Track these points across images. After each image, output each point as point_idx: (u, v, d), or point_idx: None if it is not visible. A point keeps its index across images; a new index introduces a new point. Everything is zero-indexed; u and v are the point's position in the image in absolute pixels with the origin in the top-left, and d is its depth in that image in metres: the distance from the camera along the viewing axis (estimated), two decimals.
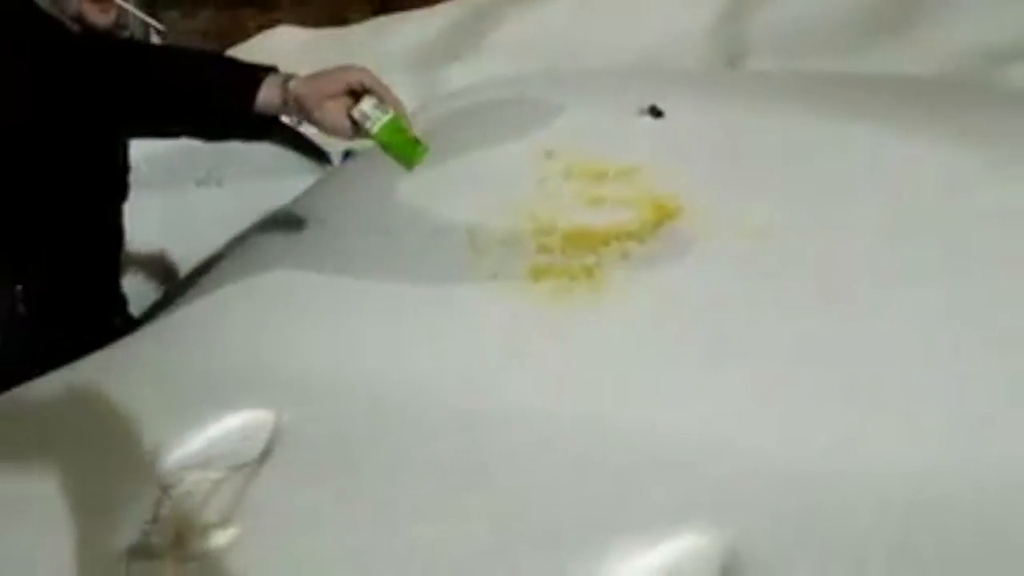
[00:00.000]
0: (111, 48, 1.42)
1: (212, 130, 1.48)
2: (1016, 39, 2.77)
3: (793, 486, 0.95)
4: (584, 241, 1.33)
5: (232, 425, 1.12)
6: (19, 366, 1.30)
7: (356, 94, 1.29)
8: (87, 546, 0.98)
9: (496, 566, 0.91)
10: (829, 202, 1.36)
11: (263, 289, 1.42)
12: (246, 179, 2.34)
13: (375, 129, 1.28)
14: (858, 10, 3.09)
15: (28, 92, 1.31)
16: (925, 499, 0.92)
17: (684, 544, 0.90)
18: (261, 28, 4.66)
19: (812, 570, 0.87)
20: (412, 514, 0.98)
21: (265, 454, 1.08)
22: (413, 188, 1.51)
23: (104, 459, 1.10)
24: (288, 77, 1.33)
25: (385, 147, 1.30)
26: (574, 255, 1.31)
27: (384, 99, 1.28)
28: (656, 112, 1.59)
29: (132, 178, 1.64)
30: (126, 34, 1.60)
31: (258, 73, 1.34)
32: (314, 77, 1.32)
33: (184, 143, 1.64)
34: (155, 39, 2.04)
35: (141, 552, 0.97)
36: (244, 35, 4.64)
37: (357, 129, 1.29)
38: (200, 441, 1.10)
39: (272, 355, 1.25)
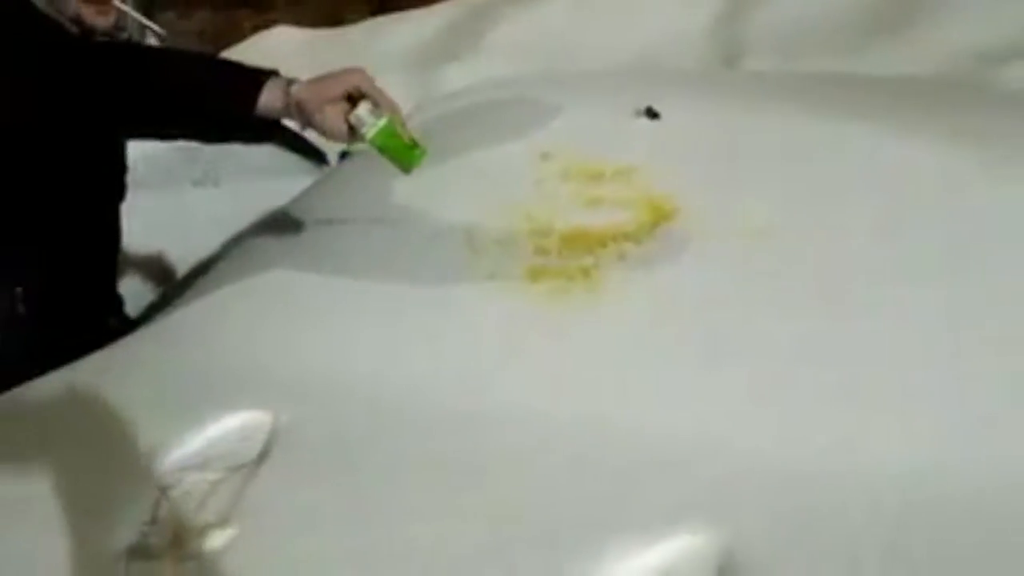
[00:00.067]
0: (113, 51, 1.43)
1: (213, 132, 1.49)
2: (1012, 39, 2.77)
3: (789, 486, 0.95)
4: (581, 242, 1.33)
5: (230, 426, 1.12)
6: (18, 366, 1.31)
7: (354, 98, 1.29)
8: (86, 546, 0.98)
9: (494, 566, 0.91)
10: (826, 202, 1.36)
11: (261, 290, 1.42)
12: (243, 180, 2.34)
13: (370, 134, 1.29)
14: (855, 11, 3.09)
15: (28, 93, 1.31)
16: (920, 500, 0.92)
17: (680, 544, 0.90)
18: (257, 29, 4.65)
19: (807, 570, 0.87)
20: (410, 514, 0.98)
21: (263, 455, 1.08)
22: (410, 189, 1.51)
23: (103, 460, 1.10)
24: (290, 81, 1.34)
25: (381, 152, 1.30)
26: (571, 256, 1.31)
27: (379, 103, 1.28)
28: (652, 113, 1.59)
29: (129, 178, 1.64)
30: (124, 36, 1.61)
31: (260, 77, 1.35)
32: (315, 82, 1.32)
33: (181, 143, 1.64)
34: (153, 41, 2.05)
35: (140, 552, 0.97)
36: (240, 36, 4.63)
37: (354, 133, 1.30)
38: (198, 442, 1.10)
39: (270, 356, 1.25)
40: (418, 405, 1.13)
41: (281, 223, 1.64)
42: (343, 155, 2.40)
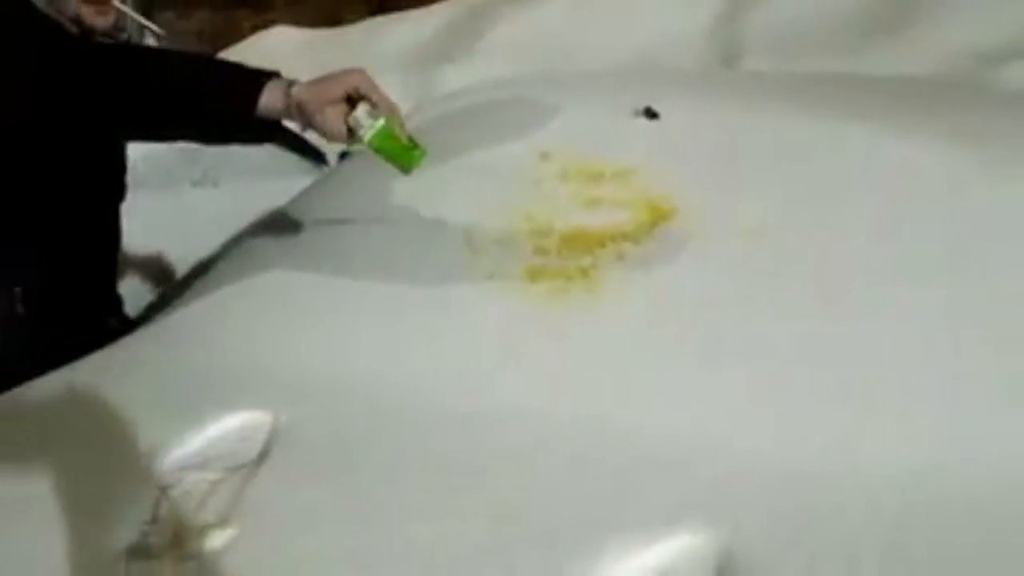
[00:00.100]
0: (113, 52, 1.43)
1: (214, 134, 1.48)
2: (1011, 39, 2.77)
3: (788, 486, 0.95)
4: (580, 242, 1.34)
5: (230, 426, 1.12)
6: (18, 366, 1.30)
7: (353, 100, 1.30)
8: (86, 546, 0.98)
9: (493, 565, 0.92)
10: (824, 202, 1.36)
11: (260, 290, 1.42)
12: (242, 180, 2.34)
13: (367, 137, 1.29)
14: (854, 11, 3.09)
15: (28, 94, 1.31)
16: (918, 500, 0.92)
17: (680, 544, 0.90)
18: (256, 29, 4.65)
19: (806, 569, 0.87)
20: (410, 514, 0.98)
21: (263, 455, 1.08)
22: (410, 189, 1.51)
23: (103, 460, 1.10)
24: (291, 83, 1.34)
25: (378, 153, 1.30)
26: (570, 256, 1.32)
27: (378, 104, 1.29)
28: (651, 114, 1.59)
29: (129, 178, 1.64)
30: (123, 36, 1.61)
31: (261, 78, 1.35)
32: (315, 83, 1.33)
33: (181, 144, 1.64)
34: (151, 41, 2.05)
35: (140, 552, 0.97)
36: (239, 35, 4.63)
37: (353, 135, 1.30)
38: (198, 442, 1.10)
39: (270, 356, 1.25)
40: (418, 405, 1.13)
41: (281, 223, 1.64)
42: (342, 155, 2.40)
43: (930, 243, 1.25)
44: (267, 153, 2.23)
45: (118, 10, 1.44)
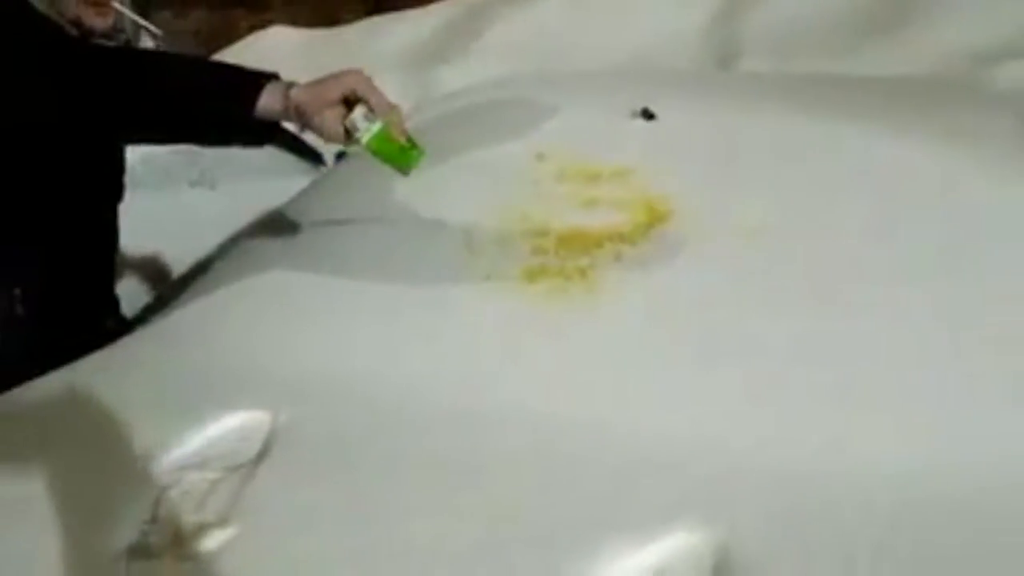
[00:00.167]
0: (113, 55, 1.43)
1: (213, 136, 1.48)
2: (1006, 40, 2.78)
3: (783, 485, 0.96)
4: (578, 243, 1.34)
5: (229, 425, 1.12)
6: (17, 367, 1.31)
7: (351, 101, 1.30)
8: (86, 546, 0.98)
9: (491, 564, 0.92)
10: (821, 202, 1.37)
11: (259, 290, 1.42)
12: (240, 180, 2.34)
13: (364, 139, 1.29)
14: (849, 11, 3.09)
15: (29, 96, 1.31)
16: (912, 499, 0.93)
17: (676, 542, 0.90)
18: (253, 28, 4.64)
19: (802, 567, 0.88)
20: (408, 513, 0.98)
21: (262, 454, 1.08)
22: (408, 190, 1.51)
23: (102, 460, 1.10)
24: (289, 85, 1.34)
25: (376, 156, 1.30)
26: (568, 256, 1.32)
27: (374, 107, 1.29)
28: (648, 114, 1.59)
29: (127, 179, 1.64)
30: (122, 37, 1.61)
31: (259, 80, 1.35)
32: (313, 84, 1.33)
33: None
34: (149, 41, 2.05)
35: (140, 551, 0.97)
36: (236, 35, 4.62)
37: (350, 136, 1.30)
38: (197, 441, 1.10)
39: (268, 356, 1.25)
40: (416, 405, 1.13)
41: (279, 224, 1.64)
42: (340, 156, 2.40)
43: (925, 243, 1.26)
44: (265, 154, 2.23)
45: (117, 11, 1.44)
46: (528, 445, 1.05)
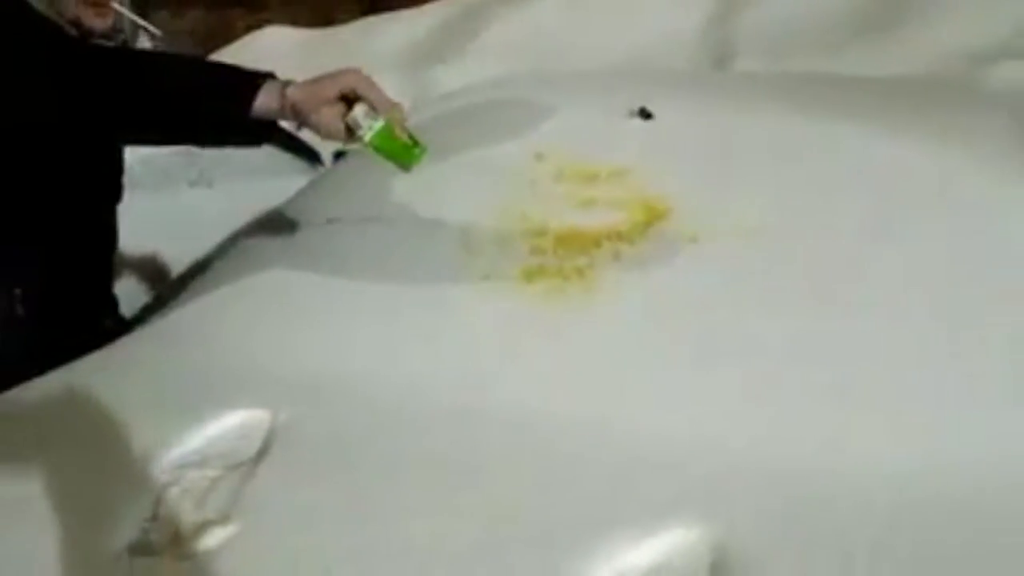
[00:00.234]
0: (111, 55, 1.43)
1: (210, 136, 1.48)
2: (1002, 39, 2.78)
3: (781, 483, 0.96)
4: (576, 242, 1.34)
5: (229, 424, 1.12)
6: (17, 367, 1.31)
7: (350, 99, 1.30)
8: (87, 545, 0.98)
9: (490, 563, 0.92)
10: (818, 202, 1.37)
11: (258, 290, 1.42)
12: (238, 180, 2.33)
13: (367, 137, 1.29)
14: (846, 11, 3.10)
15: (29, 96, 1.31)
16: (909, 499, 0.93)
17: (674, 539, 0.91)
18: (250, 28, 4.64)
19: (799, 565, 0.88)
20: (406, 512, 0.99)
21: (262, 453, 1.08)
22: (406, 189, 1.52)
23: (102, 459, 1.10)
24: (286, 83, 1.34)
25: (378, 153, 1.30)
26: (566, 256, 1.32)
27: (376, 105, 1.29)
28: (646, 114, 1.60)
29: (125, 179, 1.64)
30: (121, 37, 1.61)
31: (256, 79, 1.35)
32: (310, 83, 1.33)
33: None
34: (147, 41, 2.05)
35: (141, 549, 0.97)
36: (233, 35, 4.62)
37: (351, 134, 1.30)
38: (197, 440, 1.11)
39: (268, 355, 1.25)
40: (415, 404, 1.13)
41: (278, 223, 1.64)
42: (338, 155, 2.40)
43: (922, 242, 1.26)
44: (263, 153, 2.23)
45: (116, 11, 1.44)
46: (527, 444, 1.06)
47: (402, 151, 1.30)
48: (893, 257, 1.24)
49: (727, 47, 3.18)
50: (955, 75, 2.68)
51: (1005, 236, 1.26)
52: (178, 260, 2.22)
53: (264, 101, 1.34)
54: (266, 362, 1.24)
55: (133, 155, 1.62)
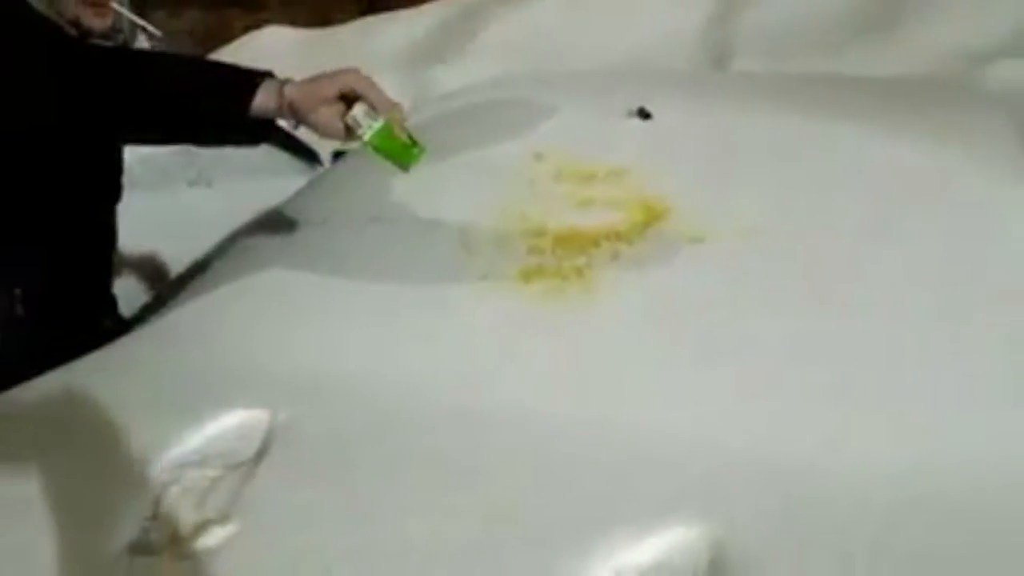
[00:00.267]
0: (110, 55, 1.43)
1: (209, 135, 1.48)
2: (999, 39, 2.79)
3: (779, 482, 0.97)
4: (574, 242, 1.34)
5: (228, 424, 1.13)
6: (17, 367, 1.31)
7: (349, 98, 1.30)
8: (88, 544, 0.98)
9: (489, 562, 0.92)
10: (816, 202, 1.37)
11: (257, 289, 1.43)
12: (237, 180, 2.33)
13: (367, 137, 1.29)
14: (843, 12, 3.10)
15: (28, 96, 1.31)
16: (907, 498, 0.93)
17: (674, 537, 0.91)
18: (248, 28, 4.64)
19: (797, 562, 0.89)
20: (404, 511, 0.99)
21: (261, 452, 1.08)
22: (405, 189, 1.52)
23: (102, 458, 1.10)
24: (284, 82, 1.35)
25: (378, 152, 1.31)
26: (565, 256, 1.32)
27: (375, 104, 1.29)
28: (644, 114, 1.60)
29: (124, 179, 1.64)
30: (120, 37, 1.61)
31: (254, 78, 1.35)
32: (308, 82, 1.33)
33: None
34: (145, 41, 2.05)
35: (141, 548, 0.97)
36: (231, 35, 4.62)
37: (351, 133, 1.30)
38: (197, 440, 1.11)
39: (267, 355, 1.26)
40: (413, 404, 1.13)
41: (276, 223, 1.64)
42: (336, 155, 2.40)
43: (919, 242, 1.27)
44: (261, 153, 2.23)
45: (115, 11, 1.44)
46: (525, 444, 1.06)
47: (401, 151, 1.30)
48: (891, 257, 1.25)
49: (726, 47, 3.18)
50: (953, 75, 2.69)
51: (1003, 235, 1.26)
52: (177, 260, 2.22)
53: (262, 100, 1.34)
54: (265, 362, 1.24)
55: (132, 155, 1.62)
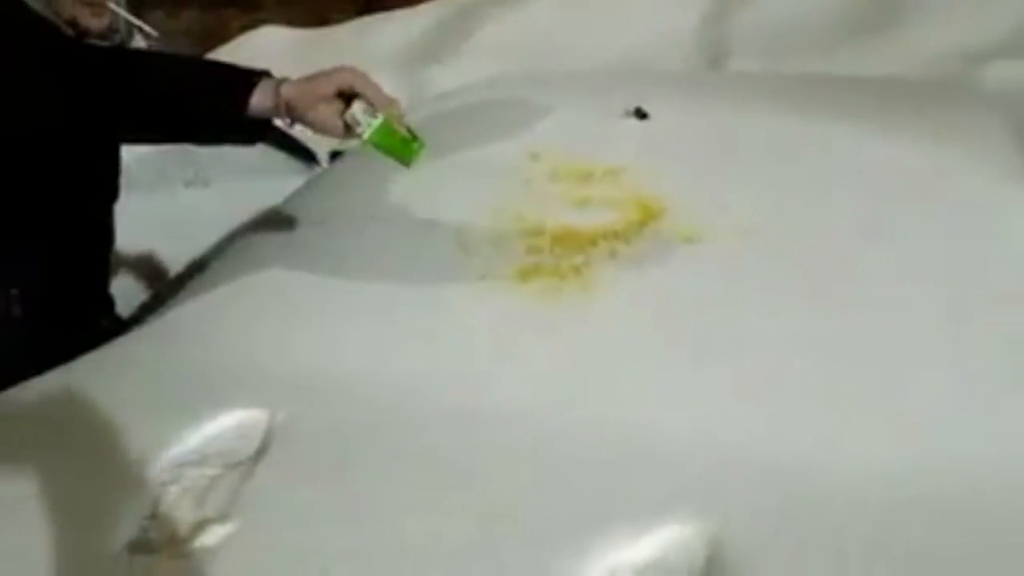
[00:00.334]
0: (107, 55, 1.43)
1: (206, 135, 1.48)
2: (995, 39, 2.80)
3: (777, 480, 0.97)
4: (572, 241, 1.35)
5: (227, 423, 1.13)
6: (14, 367, 1.31)
7: (347, 96, 1.30)
8: (87, 543, 0.98)
9: (486, 561, 0.92)
10: (812, 201, 1.38)
11: (255, 289, 1.43)
12: (234, 180, 2.34)
13: (367, 134, 1.28)
14: (840, 11, 3.11)
15: (26, 96, 1.31)
16: (904, 497, 0.94)
17: (670, 534, 0.91)
18: (245, 28, 4.65)
19: (794, 561, 0.89)
20: (402, 510, 0.99)
21: (260, 452, 1.08)
22: (402, 189, 1.52)
23: (101, 458, 1.10)
24: (280, 81, 1.35)
25: (378, 149, 1.31)
26: (562, 255, 1.32)
27: (373, 102, 1.29)
28: (641, 114, 1.60)
29: (122, 179, 1.64)
30: (117, 37, 1.61)
31: (252, 78, 1.35)
32: (305, 80, 1.33)
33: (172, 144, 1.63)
34: (142, 42, 2.04)
35: (140, 547, 0.97)
36: (228, 35, 4.63)
37: (350, 131, 1.30)
38: (196, 439, 1.11)
39: (265, 354, 1.26)
40: (412, 403, 1.13)
41: (274, 223, 1.64)
42: (334, 155, 2.41)
43: (916, 241, 1.27)
44: (259, 153, 2.24)
45: (112, 11, 1.44)
46: (523, 442, 1.06)
47: (401, 147, 1.30)
48: (887, 256, 1.25)
49: (722, 47, 3.19)
50: (949, 74, 2.70)
51: (999, 235, 1.26)
52: (175, 260, 2.22)
53: (260, 99, 1.34)
54: (264, 361, 1.24)
55: (130, 155, 1.62)
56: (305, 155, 2.58)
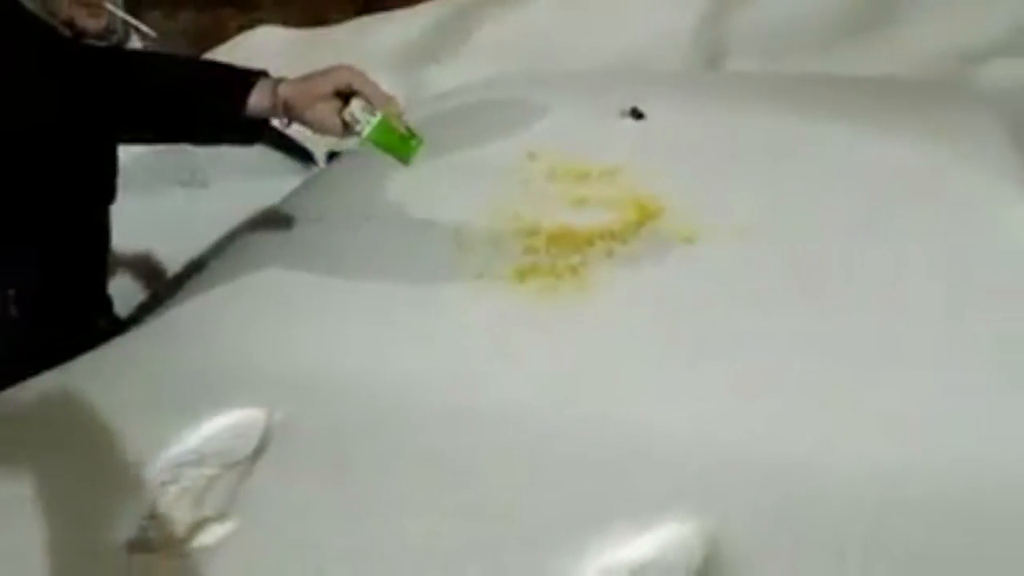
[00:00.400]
0: (105, 55, 1.43)
1: (204, 135, 1.48)
2: (991, 39, 2.80)
3: (774, 479, 0.97)
4: (569, 241, 1.35)
5: (225, 423, 1.13)
6: (12, 368, 1.31)
7: (345, 95, 1.30)
8: (87, 542, 0.99)
9: (484, 559, 0.93)
10: (809, 201, 1.38)
11: (252, 289, 1.43)
12: (231, 180, 2.34)
13: (365, 132, 1.28)
14: (837, 12, 3.12)
15: (23, 96, 1.31)
16: (901, 496, 0.94)
17: (668, 533, 0.91)
18: (242, 28, 4.65)
19: (791, 559, 0.89)
20: (400, 510, 0.99)
21: (258, 451, 1.09)
22: (399, 189, 1.52)
23: (100, 458, 1.10)
24: (278, 81, 1.35)
25: (377, 147, 1.31)
26: (559, 255, 1.33)
27: (372, 99, 1.29)
28: (638, 114, 1.61)
29: (119, 179, 1.64)
30: (114, 38, 1.60)
31: (249, 78, 1.35)
32: (303, 80, 1.33)
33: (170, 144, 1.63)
34: (139, 43, 2.04)
35: (140, 546, 0.97)
36: (225, 35, 4.63)
37: (348, 129, 1.30)
38: (194, 439, 1.11)
39: (263, 354, 1.26)
40: (409, 402, 1.14)
41: (271, 222, 1.64)
42: (331, 155, 2.41)
43: (912, 240, 1.27)
44: (256, 153, 2.24)
45: (109, 12, 1.43)
46: (520, 442, 1.06)
47: (400, 144, 1.30)
48: (884, 255, 1.25)
49: (719, 47, 3.19)
50: (946, 74, 2.70)
51: (996, 234, 1.26)
52: (172, 260, 2.22)
53: (257, 99, 1.34)
54: (261, 361, 1.24)
55: (127, 155, 1.62)
56: (302, 155, 2.58)
